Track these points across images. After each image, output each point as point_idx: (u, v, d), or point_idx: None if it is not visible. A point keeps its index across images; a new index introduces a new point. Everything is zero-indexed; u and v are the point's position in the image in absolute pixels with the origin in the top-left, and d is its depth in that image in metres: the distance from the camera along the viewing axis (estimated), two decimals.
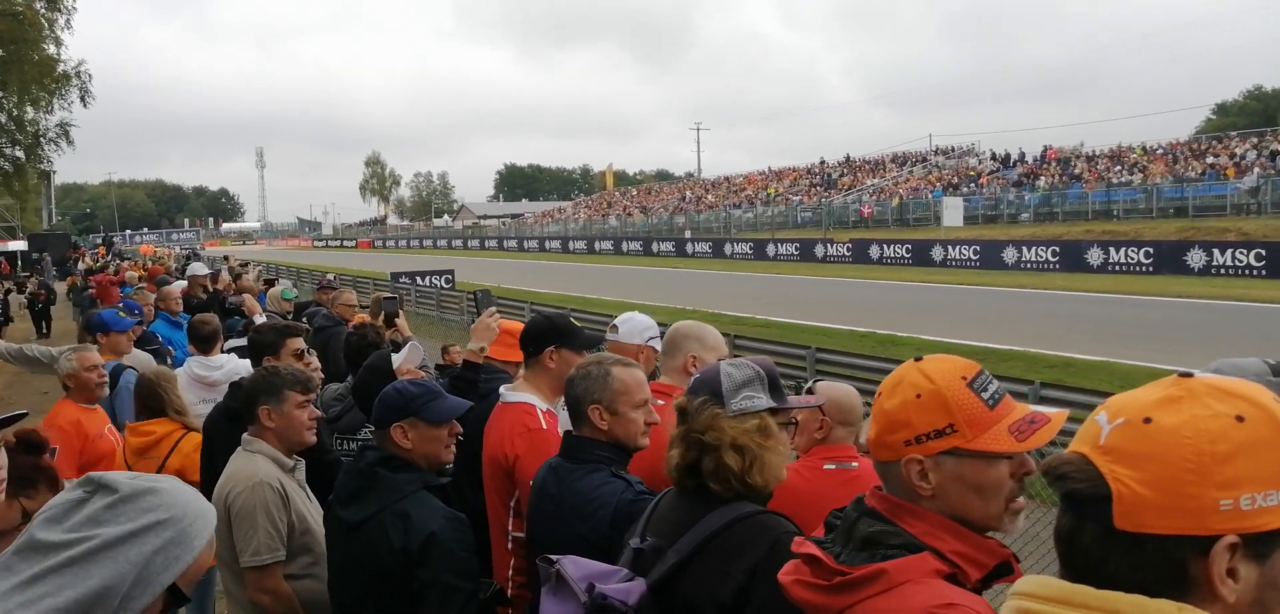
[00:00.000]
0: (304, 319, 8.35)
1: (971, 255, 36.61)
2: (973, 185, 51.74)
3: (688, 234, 59.37)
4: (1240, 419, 1.08)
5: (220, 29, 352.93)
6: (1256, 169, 38.29)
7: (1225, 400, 1.10)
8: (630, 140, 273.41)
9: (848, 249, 42.44)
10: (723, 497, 2.07)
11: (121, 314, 6.31)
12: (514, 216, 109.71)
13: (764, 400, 2.17)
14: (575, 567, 2.08)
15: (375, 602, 2.72)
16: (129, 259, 31.43)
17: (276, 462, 3.29)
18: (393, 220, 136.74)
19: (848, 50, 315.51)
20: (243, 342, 6.08)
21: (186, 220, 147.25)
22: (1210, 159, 42.43)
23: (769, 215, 59.49)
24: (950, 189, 50.92)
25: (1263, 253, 27.86)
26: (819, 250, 43.91)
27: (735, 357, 2.39)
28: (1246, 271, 27.70)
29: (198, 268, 11.60)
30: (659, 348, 3.57)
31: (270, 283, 12.45)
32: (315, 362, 4.94)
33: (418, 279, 28.93)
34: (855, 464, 2.81)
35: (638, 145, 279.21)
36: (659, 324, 3.73)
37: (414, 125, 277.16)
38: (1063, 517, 1.16)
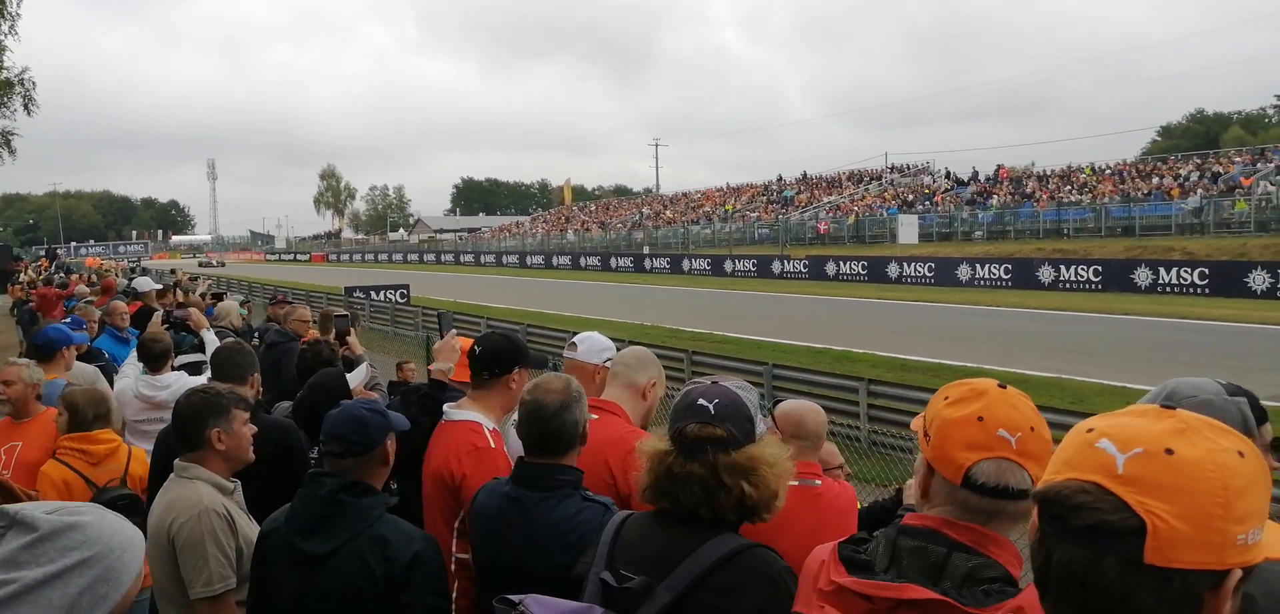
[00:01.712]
0: (255, 336, 8.18)
1: (926, 272, 37.09)
2: (927, 203, 52.55)
3: (646, 249, 59.45)
4: (1241, 455, 1.09)
5: (174, 37, 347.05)
6: (1199, 190, 39.45)
7: (1223, 435, 1.11)
8: (590, 155, 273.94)
9: (804, 265, 42.79)
10: (711, 524, 1.98)
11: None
12: (471, 231, 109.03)
13: (763, 425, 2.13)
14: (540, 607, 1.95)
15: None
16: (75, 272, 30.64)
17: (217, 487, 3.17)
18: (347, 234, 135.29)
19: (810, 68, 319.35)
20: (192, 359, 5.92)
21: (134, 233, 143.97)
22: (1156, 180, 43.59)
23: (726, 231, 59.84)
24: (905, 207, 51.68)
25: (1206, 271, 28.61)
26: (776, 267, 44.22)
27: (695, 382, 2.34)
28: (1191, 290, 28.38)
29: (144, 282, 11.16)
30: None
31: (218, 296, 12.15)
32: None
33: (372, 294, 28.59)
34: (818, 482, 2.78)
35: (598, 160, 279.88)
36: (616, 341, 3.70)
37: (370, 138, 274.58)
38: (1068, 548, 1.10)
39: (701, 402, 2.05)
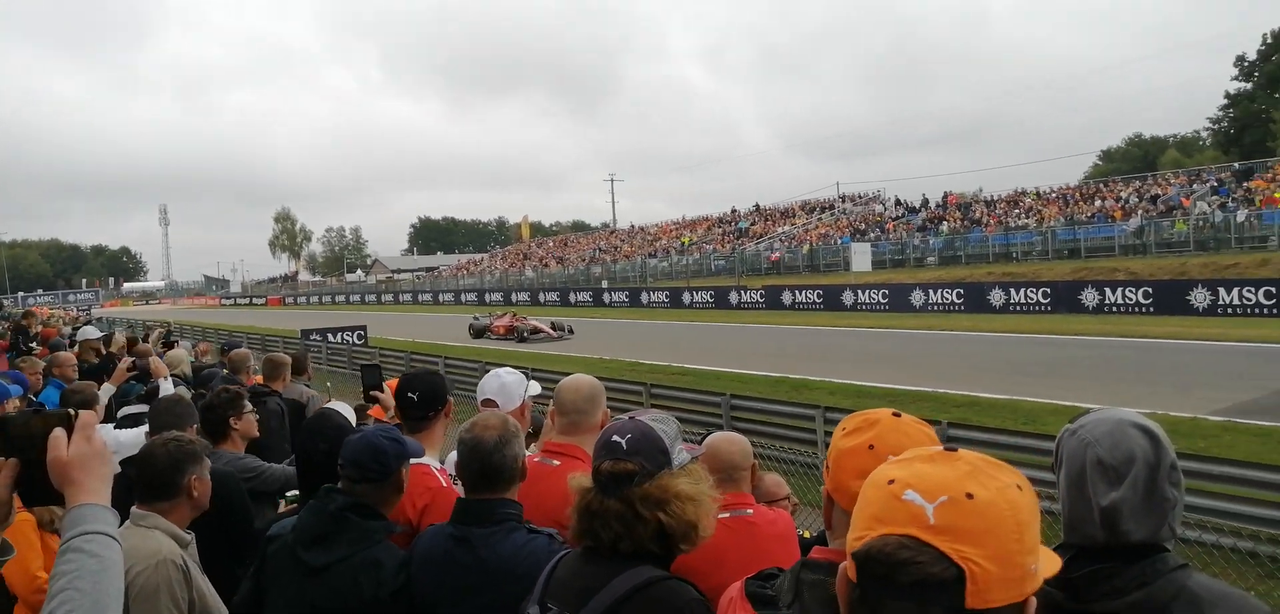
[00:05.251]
0: (206, 384, 8.07)
1: (881, 299, 37.53)
2: (879, 231, 53.28)
3: (604, 284, 59.47)
4: (1020, 489, 1.14)
5: (126, 82, 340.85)
6: (1140, 212, 40.50)
7: (1003, 471, 1.16)
8: (549, 191, 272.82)
9: (761, 296, 43.09)
10: (632, 557, 2.00)
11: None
12: (429, 270, 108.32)
13: (686, 455, 2.16)
14: None
15: None
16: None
17: (175, 537, 3.09)
18: (304, 276, 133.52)
19: (765, 100, 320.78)
20: (134, 410, 5.82)
21: (84, 281, 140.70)
22: (1098, 202, 44.68)
23: (684, 264, 60.12)
24: (858, 235, 52.31)
25: (1150, 290, 29.31)
26: (733, 297, 44.46)
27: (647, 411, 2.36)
28: (1136, 309, 29.08)
29: (88, 331, 11.02)
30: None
31: (169, 345, 11.97)
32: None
33: (330, 336, 28.26)
34: (750, 511, 2.76)
35: (557, 196, 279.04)
36: (556, 375, 3.70)
37: (327, 179, 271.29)
38: (895, 606, 1.09)
39: (615, 438, 2.09)
